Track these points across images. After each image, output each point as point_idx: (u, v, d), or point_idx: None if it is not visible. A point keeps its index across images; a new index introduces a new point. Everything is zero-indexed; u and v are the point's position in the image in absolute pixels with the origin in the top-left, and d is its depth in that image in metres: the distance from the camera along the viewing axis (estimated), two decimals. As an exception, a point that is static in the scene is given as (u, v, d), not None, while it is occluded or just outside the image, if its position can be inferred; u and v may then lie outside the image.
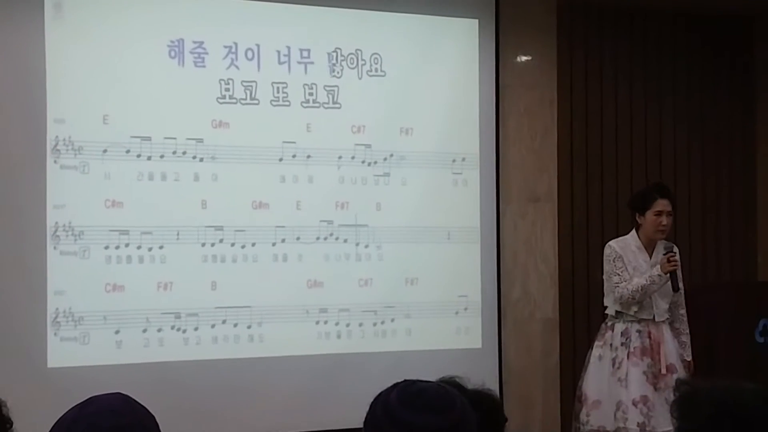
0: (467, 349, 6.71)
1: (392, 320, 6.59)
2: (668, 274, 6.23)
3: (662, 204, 6.38)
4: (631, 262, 6.40)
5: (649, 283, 6.27)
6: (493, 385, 6.47)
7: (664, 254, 6.27)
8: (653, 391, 6.22)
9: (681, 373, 6.27)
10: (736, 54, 7.82)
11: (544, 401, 7.04)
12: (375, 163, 6.57)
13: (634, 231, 6.47)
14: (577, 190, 7.26)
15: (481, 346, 6.80)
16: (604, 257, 6.46)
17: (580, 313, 7.04)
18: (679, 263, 6.29)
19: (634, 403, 6.20)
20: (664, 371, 6.24)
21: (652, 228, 6.37)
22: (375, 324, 6.55)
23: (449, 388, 2.58)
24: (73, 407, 2.46)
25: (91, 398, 2.47)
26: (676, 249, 6.38)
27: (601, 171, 7.36)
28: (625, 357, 6.29)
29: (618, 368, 6.29)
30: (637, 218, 6.44)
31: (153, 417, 2.49)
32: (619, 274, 6.38)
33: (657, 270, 6.28)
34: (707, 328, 6.98)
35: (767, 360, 6.84)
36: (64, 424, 2.43)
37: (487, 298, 6.84)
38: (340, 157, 6.48)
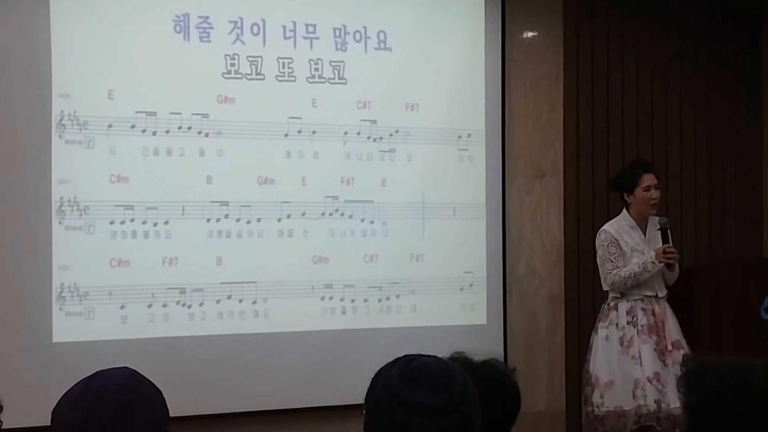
0: (472, 325, 6.72)
1: (397, 296, 6.59)
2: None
3: (648, 178, 6.40)
4: (627, 243, 6.40)
5: (641, 270, 6.28)
6: (492, 357, 6.47)
7: (662, 245, 6.28)
8: (663, 367, 6.22)
9: (686, 349, 6.28)
10: (744, 30, 7.79)
11: (548, 377, 7.05)
12: (380, 138, 6.56)
13: (624, 211, 6.47)
14: (582, 166, 7.25)
15: (486, 322, 6.80)
16: (598, 242, 6.45)
17: (586, 290, 7.03)
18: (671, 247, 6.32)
19: (650, 380, 6.20)
20: (670, 348, 6.25)
21: (644, 204, 6.38)
22: (380, 300, 6.56)
23: (451, 364, 2.57)
24: (79, 381, 2.46)
25: (97, 372, 2.47)
26: (669, 224, 6.38)
27: (607, 147, 7.34)
28: (635, 334, 6.28)
29: (629, 346, 6.28)
30: (625, 197, 6.43)
31: (160, 392, 2.49)
32: (612, 261, 6.38)
33: (651, 257, 6.28)
34: (713, 306, 6.97)
35: (772, 337, 6.83)
36: (70, 397, 2.43)
37: (493, 274, 6.84)
38: (345, 133, 6.48)
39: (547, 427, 6.91)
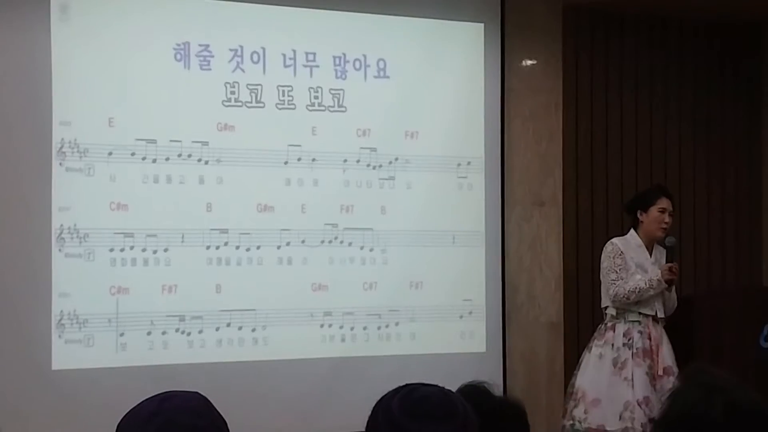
0: (472, 353, 6.71)
1: (397, 324, 6.59)
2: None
3: (666, 202, 6.44)
4: (633, 258, 6.43)
5: (647, 287, 6.30)
6: (497, 390, 6.46)
7: (667, 263, 6.29)
8: (653, 392, 6.24)
9: (676, 375, 6.29)
10: (743, 60, 7.82)
11: (548, 405, 7.03)
12: (380, 166, 6.58)
13: (632, 230, 6.51)
14: (582, 195, 7.26)
15: (485, 350, 6.80)
16: (605, 254, 6.48)
17: (585, 318, 7.03)
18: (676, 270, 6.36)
19: (639, 404, 6.21)
20: (661, 373, 6.27)
21: (656, 224, 6.42)
22: (379, 327, 6.56)
23: (452, 394, 2.57)
24: (151, 398, 2.47)
25: (169, 393, 2.48)
26: (676, 245, 6.42)
27: (606, 175, 7.35)
28: (630, 357, 6.30)
29: (622, 368, 6.30)
30: (639, 215, 6.47)
31: (225, 422, 2.51)
32: (616, 272, 6.41)
33: (657, 275, 6.30)
34: (712, 334, 6.97)
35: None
36: (141, 414, 2.43)
37: (492, 302, 6.84)
38: (345, 161, 6.49)
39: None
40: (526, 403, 6.87)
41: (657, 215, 6.43)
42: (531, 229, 7.08)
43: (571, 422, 6.40)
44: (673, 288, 6.45)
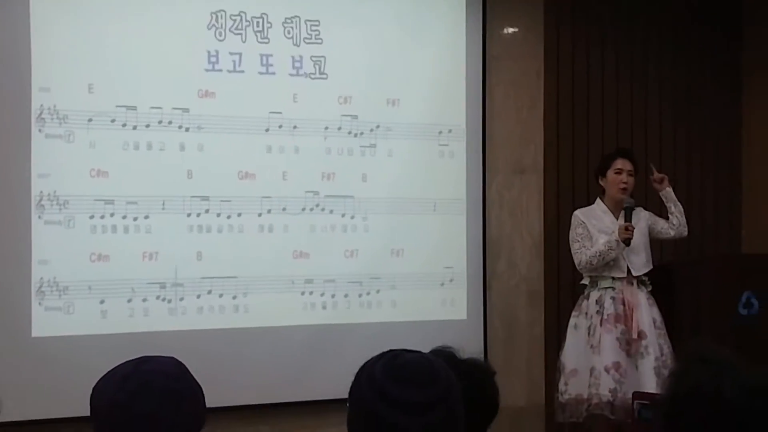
0: (452, 320, 6.73)
1: (378, 291, 6.59)
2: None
3: (621, 162, 6.52)
4: (595, 225, 6.50)
5: (606, 249, 6.37)
6: (477, 356, 6.48)
7: (625, 222, 6.38)
8: (626, 358, 6.29)
9: (653, 338, 6.34)
10: (725, 31, 7.81)
11: (528, 372, 7.06)
12: (361, 134, 6.56)
13: (598, 198, 6.61)
14: (563, 162, 7.26)
15: (466, 317, 6.82)
16: (571, 226, 6.55)
17: (565, 285, 7.05)
18: (644, 217, 6.53)
19: (606, 370, 6.26)
20: (635, 337, 6.31)
21: (613, 186, 6.49)
22: (360, 295, 6.56)
23: (435, 360, 2.58)
24: (127, 362, 2.48)
25: (146, 357, 2.50)
26: (634, 206, 6.48)
27: (587, 142, 7.35)
28: (598, 324, 6.35)
29: (592, 335, 6.36)
30: (600, 182, 6.54)
31: (201, 388, 2.52)
32: (579, 241, 6.50)
33: (615, 236, 6.35)
34: (692, 301, 7.00)
35: (751, 332, 6.85)
36: (116, 376, 2.45)
37: (473, 270, 6.85)
38: (326, 128, 6.47)
39: (527, 420, 6.93)
40: (507, 370, 6.97)
41: (613, 177, 6.51)
42: (512, 197, 7.08)
43: (558, 395, 6.48)
44: (676, 215, 6.60)
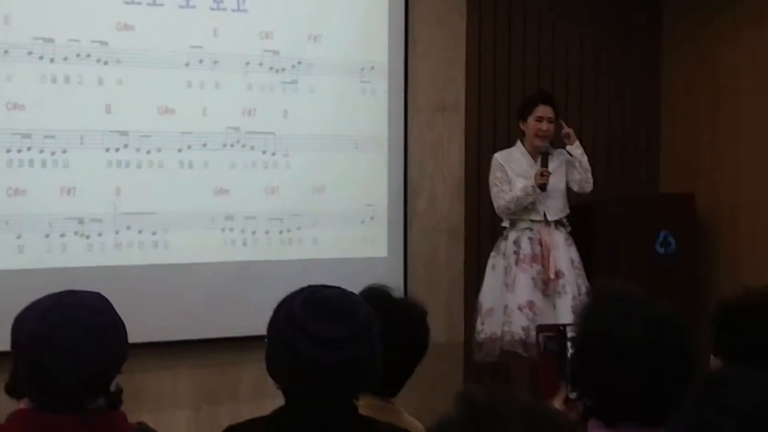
0: (373, 257, 6.75)
1: (299, 228, 6.58)
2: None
3: (542, 110, 6.54)
4: (514, 169, 6.53)
5: (523, 195, 6.43)
6: (398, 294, 6.51)
7: (541, 167, 6.42)
8: (541, 297, 6.36)
9: (570, 278, 6.42)
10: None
11: (447, 310, 7.11)
12: (283, 70, 6.51)
13: (519, 141, 6.64)
14: (484, 101, 7.27)
15: (387, 254, 6.84)
16: (490, 169, 6.59)
17: (486, 224, 7.09)
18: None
19: (520, 308, 6.34)
20: (552, 276, 6.39)
21: (533, 134, 6.50)
22: (281, 232, 6.55)
23: (353, 295, 2.59)
24: (50, 295, 2.46)
25: (69, 291, 2.48)
26: (552, 151, 6.54)
27: (508, 85, 7.37)
28: (514, 263, 6.42)
29: (507, 275, 6.43)
30: (521, 126, 6.57)
31: (123, 323, 2.51)
32: (497, 185, 6.55)
33: (531, 182, 6.40)
34: (611, 241, 7.09)
35: (667, 271, 6.97)
36: (38, 308, 2.43)
37: (394, 208, 6.86)
38: (247, 63, 6.41)
39: (446, 358, 6.98)
40: (443, 309, 7.00)
41: (534, 124, 6.53)
42: (433, 135, 7.09)
43: (475, 334, 6.57)
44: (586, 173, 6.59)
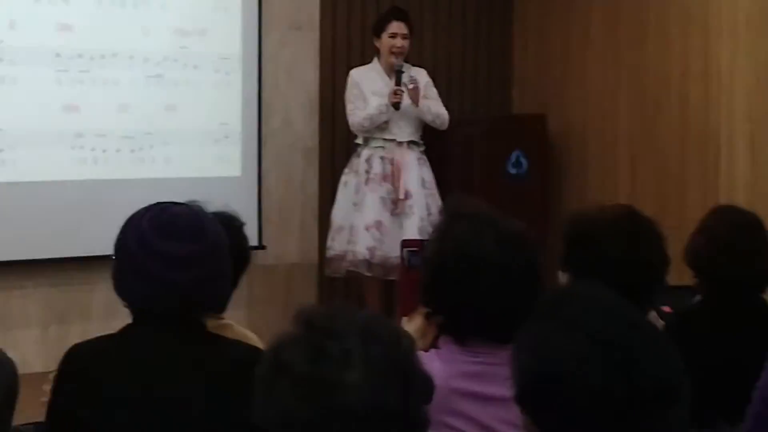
0: (227, 177, 6.70)
1: (151, 147, 6.50)
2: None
3: (396, 26, 6.56)
4: (369, 87, 6.54)
5: (377, 112, 6.47)
6: (252, 213, 6.51)
7: (396, 86, 6.42)
8: (389, 217, 6.41)
9: (419, 198, 6.48)
10: None
11: (301, 229, 7.11)
12: (131, -15, 6.38)
13: (375, 58, 6.65)
14: (339, 18, 7.23)
15: (240, 174, 6.80)
16: (346, 86, 6.61)
17: (340, 144, 7.09)
18: (418, 87, 6.48)
19: (367, 228, 6.39)
20: (402, 197, 6.45)
21: (387, 50, 6.52)
22: (133, 150, 6.45)
23: (203, 214, 2.57)
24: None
25: None
26: (407, 69, 6.54)
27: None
28: (364, 182, 6.46)
29: (357, 193, 6.47)
30: (375, 43, 6.58)
31: None
32: (352, 102, 6.57)
33: (385, 100, 6.42)
34: (464, 161, 7.16)
35: (519, 190, 7.07)
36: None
37: (248, 127, 6.81)
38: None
39: (299, 278, 7.00)
40: (280, 227, 7.02)
41: (387, 41, 6.55)
42: (288, 54, 7.04)
43: (327, 250, 6.63)
44: (431, 105, 6.60)
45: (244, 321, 5.92)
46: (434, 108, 6.60)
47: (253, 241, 6.58)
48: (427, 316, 2.71)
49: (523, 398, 1.96)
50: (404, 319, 2.86)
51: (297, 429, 1.73)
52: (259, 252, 6.53)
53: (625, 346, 1.85)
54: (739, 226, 3.62)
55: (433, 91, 6.72)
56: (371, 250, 6.33)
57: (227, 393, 2.41)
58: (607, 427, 1.86)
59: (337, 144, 7.15)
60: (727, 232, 3.59)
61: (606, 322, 1.89)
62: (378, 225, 6.38)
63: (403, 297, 2.79)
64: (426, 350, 2.67)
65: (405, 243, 5.47)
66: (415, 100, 6.50)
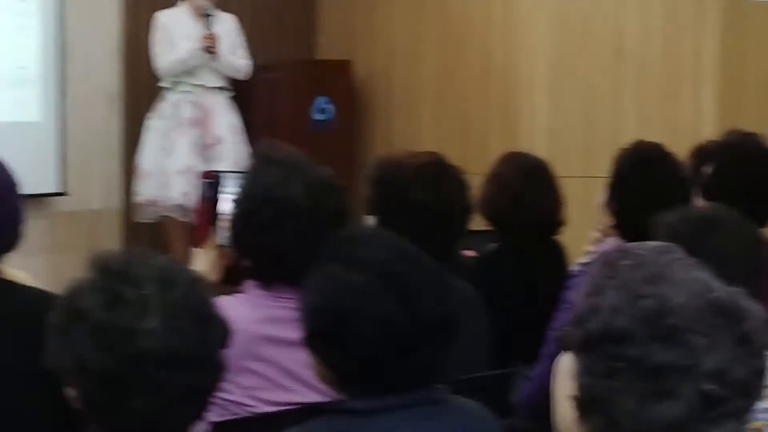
0: (27, 122, 6.53)
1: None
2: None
3: None
4: (177, 31, 6.47)
5: (188, 56, 6.41)
6: (53, 159, 6.37)
7: (207, 31, 6.40)
8: (201, 162, 6.36)
9: (231, 143, 6.46)
10: None
11: (104, 175, 6.98)
12: None
13: (183, 1, 6.56)
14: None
15: (40, 119, 6.62)
16: (152, 29, 6.54)
17: (146, 90, 6.96)
18: (216, 39, 6.43)
19: (179, 173, 6.33)
20: (212, 142, 6.42)
21: None
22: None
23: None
24: None
25: None
26: (217, 13, 6.52)
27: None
28: (173, 127, 6.40)
29: (166, 138, 6.41)
30: None
31: None
32: (159, 45, 6.49)
33: (195, 45, 6.36)
34: (269, 106, 7.13)
35: (325, 136, 7.09)
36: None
37: (49, 71, 6.64)
38: None
39: (103, 225, 6.89)
40: (83, 174, 6.89)
41: None
42: (89, -4, 6.88)
43: (135, 196, 6.55)
44: (229, 56, 6.57)
45: (47, 267, 5.82)
46: (235, 62, 6.58)
47: (54, 187, 6.51)
48: (219, 246, 2.74)
49: (312, 338, 2.02)
50: (197, 250, 2.86)
51: (93, 376, 1.73)
52: (62, 198, 6.40)
53: (407, 281, 1.96)
54: (527, 174, 3.75)
55: (240, 39, 6.68)
56: (186, 195, 6.26)
57: (17, 337, 2.35)
58: (391, 360, 1.94)
59: (141, 88, 7.03)
60: (517, 180, 3.72)
61: (389, 259, 1.98)
62: (189, 170, 6.31)
63: (198, 228, 2.79)
64: (219, 282, 2.70)
65: (203, 174, 5.44)
66: (212, 58, 6.48)
